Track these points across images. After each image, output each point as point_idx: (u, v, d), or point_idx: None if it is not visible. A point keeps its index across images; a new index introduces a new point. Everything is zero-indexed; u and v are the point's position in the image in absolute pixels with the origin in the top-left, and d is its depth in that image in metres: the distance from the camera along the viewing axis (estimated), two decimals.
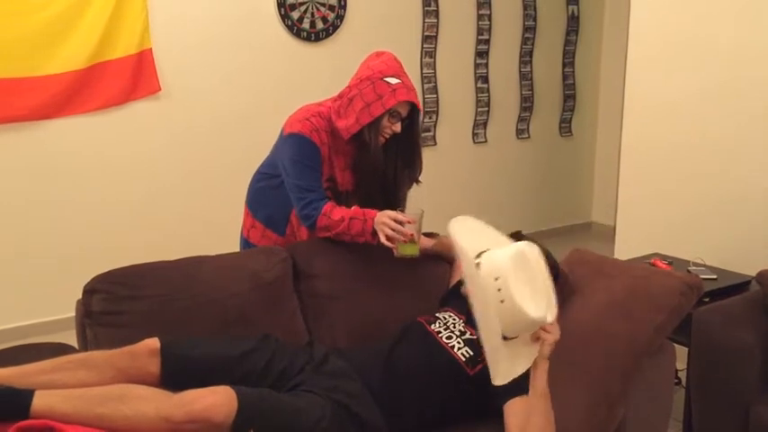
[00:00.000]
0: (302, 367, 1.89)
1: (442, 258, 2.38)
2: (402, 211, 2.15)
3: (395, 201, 2.36)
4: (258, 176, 2.46)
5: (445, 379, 1.91)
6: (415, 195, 5.16)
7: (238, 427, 1.54)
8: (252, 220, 2.45)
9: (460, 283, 2.29)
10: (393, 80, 2.15)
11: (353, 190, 2.34)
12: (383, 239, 2.09)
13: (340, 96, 2.25)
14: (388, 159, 2.27)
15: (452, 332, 2.03)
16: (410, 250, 2.11)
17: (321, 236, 2.22)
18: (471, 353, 1.97)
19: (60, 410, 1.55)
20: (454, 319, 2.09)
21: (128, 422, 1.55)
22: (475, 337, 2.01)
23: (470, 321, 2.07)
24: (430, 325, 2.08)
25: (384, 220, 2.09)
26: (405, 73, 2.21)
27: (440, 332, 2.04)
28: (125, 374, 1.70)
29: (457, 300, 2.21)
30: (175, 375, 1.72)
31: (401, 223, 2.08)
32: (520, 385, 1.89)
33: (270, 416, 1.63)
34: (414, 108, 2.23)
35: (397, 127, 2.19)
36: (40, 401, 1.56)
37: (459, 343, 1.99)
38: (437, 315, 2.13)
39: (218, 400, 1.54)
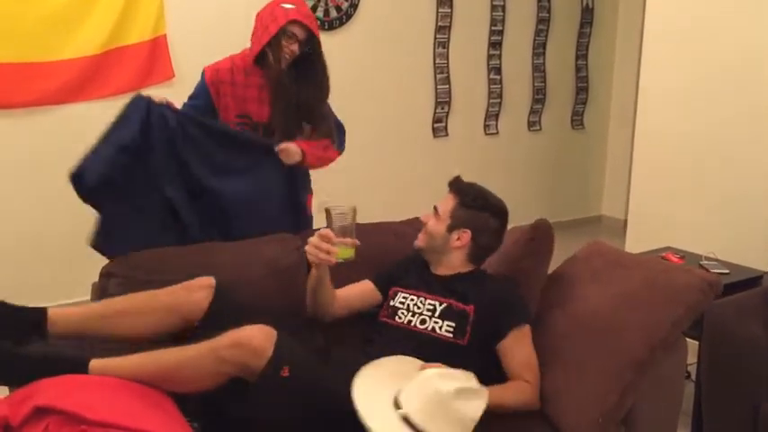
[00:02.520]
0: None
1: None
2: (330, 213, 1.93)
3: (312, 119, 2.52)
4: None
5: (444, 363, 1.87)
6: (425, 186, 5.13)
7: (276, 359, 1.63)
8: None
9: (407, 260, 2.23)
10: (288, 5, 2.38)
11: (269, 119, 2.50)
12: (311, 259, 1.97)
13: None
14: (296, 83, 2.45)
15: (422, 314, 2.00)
16: (343, 254, 1.89)
17: None
18: (453, 324, 1.96)
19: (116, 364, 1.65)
20: (413, 299, 2.05)
21: (179, 362, 1.65)
22: (446, 303, 1.99)
23: (429, 290, 2.04)
24: (394, 319, 2.03)
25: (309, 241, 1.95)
26: (303, 3, 2.45)
27: (411, 321, 2.00)
28: (173, 311, 1.79)
29: (402, 277, 2.15)
30: (220, 314, 1.79)
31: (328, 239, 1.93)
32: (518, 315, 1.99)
33: (303, 364, 1.70)
34: (313, 36, 2.42)
35: (295, 47, 2.39)
36: (97, 364, 1.64)
37: (437, 322, 1.97)
38: (393, 304, 2.08)
39: (260, 331, 1.66)
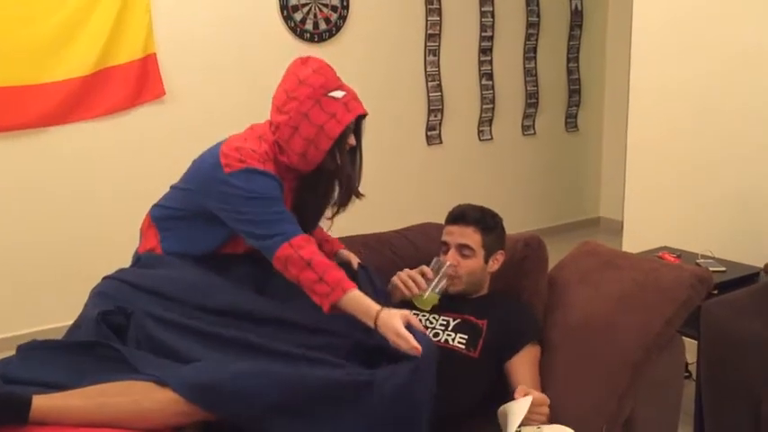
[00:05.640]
0: None
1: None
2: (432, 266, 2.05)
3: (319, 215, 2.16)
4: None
5: (456, 375, 1.89)
6: (421, 195, 5.11)
7: None
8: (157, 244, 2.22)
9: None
10: (338, 93, 1.92)
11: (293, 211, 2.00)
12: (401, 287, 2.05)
13: (277, 127, 1.94)
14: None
15: (434, 328, 2.01)
16: (429, 300, 1.98)
17: (278, 267, 1.84)
18: (466, 336, 1.96)
19: (61, 403, 1.59)
20: (425, 315, 2.05)
21: (133, 406, 1.61)
22: (460, 318, 2.00)
23: (444, 309, 2.04)
24: None
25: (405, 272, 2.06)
26: (340, 78, 2.01)
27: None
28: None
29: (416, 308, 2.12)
30: None
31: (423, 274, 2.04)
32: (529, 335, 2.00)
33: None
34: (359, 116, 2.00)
35: (353, 140, 2.00)
36: (40, 401, 1.57)
37: (449, 335, 1.97)
38: None
39: None
